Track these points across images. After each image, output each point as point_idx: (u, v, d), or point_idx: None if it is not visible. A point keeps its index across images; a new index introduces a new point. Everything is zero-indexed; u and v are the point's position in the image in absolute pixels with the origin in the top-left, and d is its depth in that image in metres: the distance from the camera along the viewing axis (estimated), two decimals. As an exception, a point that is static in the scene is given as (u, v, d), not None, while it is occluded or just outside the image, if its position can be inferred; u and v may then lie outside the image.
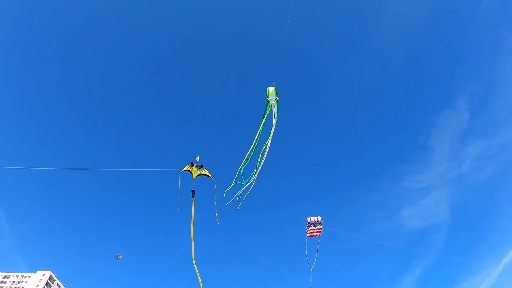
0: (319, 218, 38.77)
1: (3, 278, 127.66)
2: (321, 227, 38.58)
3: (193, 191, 28.48)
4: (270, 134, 25.04)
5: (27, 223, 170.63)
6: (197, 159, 29.44)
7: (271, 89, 24.76)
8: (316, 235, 38.43)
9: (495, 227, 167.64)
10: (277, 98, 24.70)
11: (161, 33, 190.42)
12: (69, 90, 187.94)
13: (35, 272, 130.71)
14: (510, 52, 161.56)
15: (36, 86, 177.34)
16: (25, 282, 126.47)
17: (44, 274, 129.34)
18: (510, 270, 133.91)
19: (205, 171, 29.58)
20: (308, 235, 38.01)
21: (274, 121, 24.74)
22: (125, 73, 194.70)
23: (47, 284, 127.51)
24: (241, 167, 26.69)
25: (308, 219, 38.59)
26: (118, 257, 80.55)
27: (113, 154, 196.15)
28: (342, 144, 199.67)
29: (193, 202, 28.25)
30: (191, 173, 28.97)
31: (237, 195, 28.27)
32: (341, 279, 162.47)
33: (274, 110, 24.78)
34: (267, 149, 25.51)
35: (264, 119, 24.91)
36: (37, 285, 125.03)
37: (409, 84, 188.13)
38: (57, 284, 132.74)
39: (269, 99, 24.73)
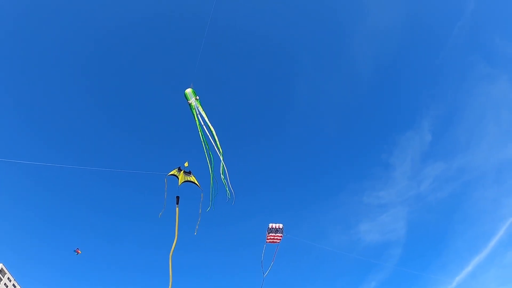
0: (280, 225, 37.81)
1: None
2: (282, 235, 37.66)
3: (177, 197, 27.24)
4: (216, 141, 24.87)
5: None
6: (186, 164, 28.38)
7: (188, 91, 24.99)
8: (276, 242, 37.54)
9: (450, 245, 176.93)
10: (197, 97, 24.93)
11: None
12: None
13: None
14: (476, 79, 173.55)
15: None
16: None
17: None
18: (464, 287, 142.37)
19: (192, 178, 28.51)
20: (267, 241, 37.22)
21: (211, 126, 24.67)
22: (111, 75, 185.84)
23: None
24: (211, 184, 26.43)
25: (270, 225, 37.62)
26: (77, 252, 74.84)
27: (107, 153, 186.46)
28: (304, 158, 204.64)
29: (177, 209, 27.05)
30: (178, 178, 27.82)
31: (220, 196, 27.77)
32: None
33: (200, 110, 24.86)
34: (222, 156, 25.23)
35: (197, 122, 25.01)
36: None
37: (375, 103, 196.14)
38: (8, 278, 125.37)
39: (189, 101, 24.89)
